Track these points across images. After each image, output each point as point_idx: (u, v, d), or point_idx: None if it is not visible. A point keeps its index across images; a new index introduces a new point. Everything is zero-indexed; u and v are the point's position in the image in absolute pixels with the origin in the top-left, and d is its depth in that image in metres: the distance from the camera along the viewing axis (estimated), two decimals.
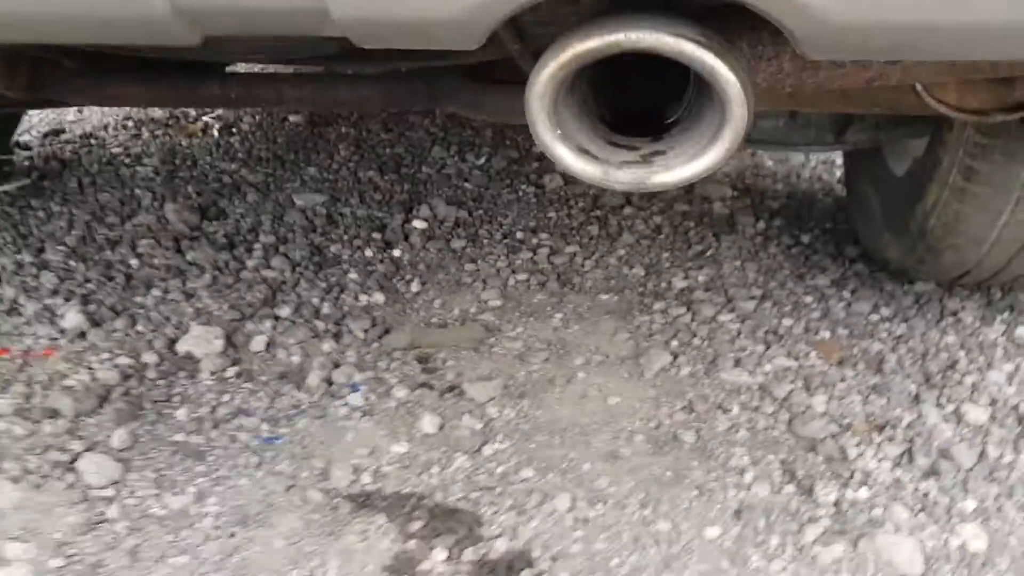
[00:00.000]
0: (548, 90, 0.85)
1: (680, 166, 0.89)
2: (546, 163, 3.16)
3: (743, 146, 2.32)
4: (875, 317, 2.23)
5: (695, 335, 2.14)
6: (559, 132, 0.89)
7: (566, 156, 0.89)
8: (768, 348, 2.09)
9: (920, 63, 1.09)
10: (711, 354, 2.07)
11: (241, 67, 2.78)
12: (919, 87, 1.30)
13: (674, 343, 2.12)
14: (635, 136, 0.97)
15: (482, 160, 3.19)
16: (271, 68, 3.07)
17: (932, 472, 1.70)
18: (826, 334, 2.16)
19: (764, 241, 2.63)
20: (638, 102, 1.12)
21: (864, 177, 2.49)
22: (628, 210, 2.82)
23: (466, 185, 3.00)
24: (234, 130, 3.49)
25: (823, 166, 3.20)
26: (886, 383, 1.96)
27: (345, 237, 2.60)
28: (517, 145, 3.30)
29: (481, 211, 2.81)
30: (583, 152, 0.90)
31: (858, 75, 1.09)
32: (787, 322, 2.20)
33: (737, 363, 2.04)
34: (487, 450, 1.76)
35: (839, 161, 3.15)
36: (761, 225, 2.72)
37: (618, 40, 0.81)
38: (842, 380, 1.97)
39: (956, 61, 1.07)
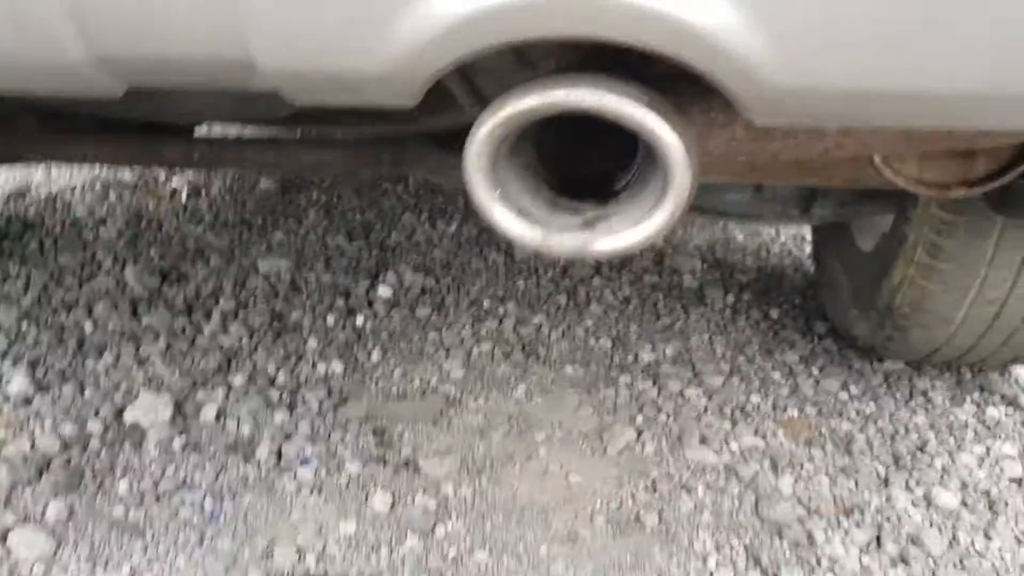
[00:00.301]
0: (486, 149, 0.82)
1: (623, 231, 0.85)
2: None
3: (702, 215, 2.31)
4: (844, 395, 2.19)
5: (661, 410, 2.09)
6: (498, 193, 0.85)
7: (504, 219, 0.85)
8: (735, 426, 2.03)
9: (875, 134, 1.06)
10: (677, 431, 2.01)
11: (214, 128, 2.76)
12: (877, 159, 1.28)
13: (639, 419, 2.06)
14: (582, 200, 0.93)
15: (453, 227, 3.16)
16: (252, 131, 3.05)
17: (901, 559, 1.64)
18: (794, 412, 2.11)
19: (733, 315, 2.59)
20: (593, 168, 1.09)
21: (832, 253, 2.47)
22: (597, 280, 2.79)
23: (435, 252, 2.96)
24: (203, 194, 3.45)
25: (793, 241, 3.19)
26: (854, 464, 1.90)
27: (307, 304, 2.54)
28: None
29: (449, 279, 2.77)
30: (523, 215, 0.86)
31: (813, 145, 1.07)
32: (755, 399, 2.15)
33: (703, 441, 1.98)
34: (440, 531, 1.69)
35: (809, 236, 3.13)
36: (730, 298, 2.68)
37: (558, 99, 0.78)
38: (810, 461, 1.92)
39: (912, 132, 1.05)
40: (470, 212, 3.29)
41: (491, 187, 0.85)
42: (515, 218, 0.86)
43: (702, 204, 2.22)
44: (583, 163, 1.12)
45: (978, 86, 0.75)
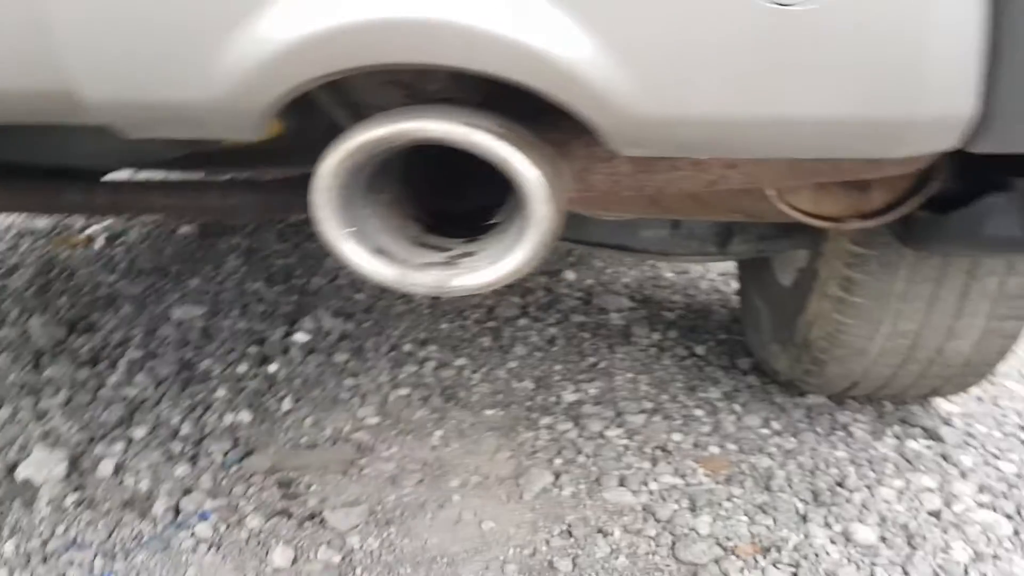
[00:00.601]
0: (334, 183, 0.77)
1: (484, 268, 0.80)
2: None
3: (619, 253, 2.29)
4: (765, 431, 2.16)
5: (580, 452, 2.04)
6: (353, 230, 0.80)
7: (356, 256, 0.81)
8: (655, 465, 1.99)
9: (759, 165, 1.04)
10: (595, 472, 1.96)
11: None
12: (770, 193, 1.26)
13: (558, 461, 2.01)
14: (453, 238, 0.89)
15: None
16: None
17: None
18: (715, 449, 2.08)
19: (658, 352, 2.56)
20: (470, 204, 1.05)
21: (755, 288, 2.47)
22: (523, 321, 2.75)
23: (357, 296, 2.89)
24: (119, 242, 3.35)
25: (721, 278, 3.19)
26: (773, 501, 1.87)
27: (219, 352, 2.46)
28: None
29: (370, 323, 2.70)
30: (380, 253, 0.82)
31: (698, 177, 1.04)
32: (676, 437, 2.11)
33: (622, 482, 1.93)
34: None
35: (736, 274, 3.14)
36: (656, 336, 2.66)
37: (404, 129, 0.74)
38: (728, 499, 1.88)
39: (796, 163, 1.03)
40: None
41: (340, 224, 0.80)
42: (369, 256, 0.81)
43: (619, 242, 2.20)
44: (460, 199, 1.08)
45: (832, 112, 0.73)
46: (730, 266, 3.24)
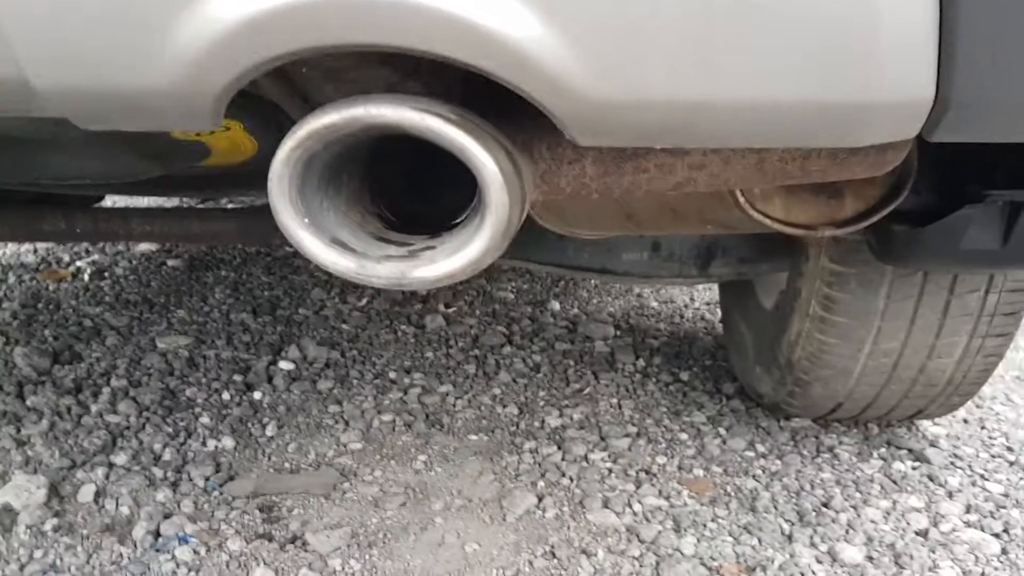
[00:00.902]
0: (288, 172, 0.78)
1: (443, 259, 0.80)
2: (429, 304, 3.08)
3: (600, 277, 2.29)
4: (750, 454, 2.15)
5: (564, 475, 2.03)
6: (307, 221, 0.80)
7: (313, 247, 0.81)
8: (639, 487, 1.98)
9: (727, 165, 1.05)
10: (579, 495, 1.95)
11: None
12: (741, 199, 1.26)
13: (541, 484, 1.99)
14: (416, 235, 0.89)
15: (363, 301, 3.10)
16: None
17: None
18: (700, 472, 2.06)
19: (643, 379, 2.56)
20: (440, 204, 1.05)
21: (737, 312, 2.47)
22: (508, 349, 2.74)
23: (343, 326, 2.89)
24: (106, 274, 3.35)
25: (707, 307, 3.19)
26: (758, 522, 1.85)
27: (204, 380, 2.45)
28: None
29: (355, 351, 2.70)
30: (338, 244, 0.82)
31: (664, 180, 1.05)
32: (660, 460, 2.10)
33: (605, 504, 1.92)
34: None
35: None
36: (641, 363, 2.65)
37: (357, 115, 0.74)
38: (713, 520, 1.87)
39: (762, 163, 1.03)
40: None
41: (299, 215, 0.80)
42: (327, 248, 0.81)
43: (600, 265, 2.21)
44: (429, 199, 1.08)
45: (789, 96, 0.74)
46: (715, 294, 3.25)
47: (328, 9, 0.69)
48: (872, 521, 1.88)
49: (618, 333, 2.90)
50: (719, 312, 3.08)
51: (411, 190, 1.06)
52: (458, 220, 0.95)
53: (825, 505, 1.93)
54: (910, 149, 1.16)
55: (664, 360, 2.68)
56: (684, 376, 2.57)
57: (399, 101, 0.74)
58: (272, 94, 1.05)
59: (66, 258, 3.55)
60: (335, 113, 0.75)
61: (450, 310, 3.06)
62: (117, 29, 0.71)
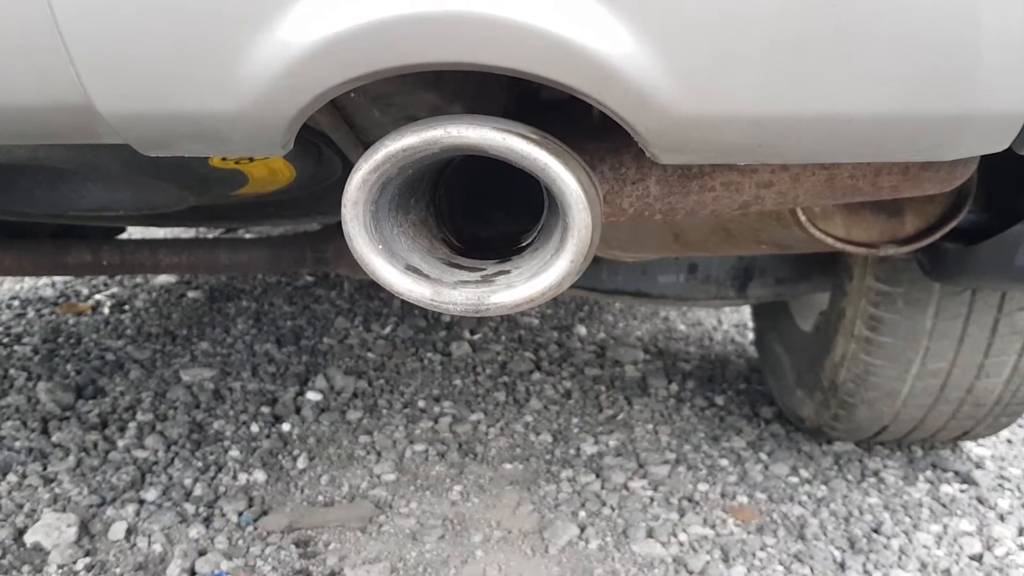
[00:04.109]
0: (363, 196, 0.74)
1: (522, 284, 0.77)
2: (454, 331, 3.04)
3: (637, 300, 2.25)
4: (794, 479, 2.10)
5: (605, 504, 1.98)
6: (381, 247, 0.77)
7: (388, 274, 0.77)
8: (683, 516, 1.93)
9: (796, 182, 1.01)
10: (622, 524, 1.90)
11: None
12: (802, 218, 1.23)
13: (582, 514, 1.94)
14: (483, 259, 0.85)
15: (387, 329, 3.06)
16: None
17: None
18: (744, 499, 2.01)
19: (677, 404, 2.51)
20: (502, 229, 1.02)
21: (773, 335, 2.43)
22: (537, 375, 2.70)
23: (369, 355, 2.85)
24: (126, 307, 3.32)
25: (736, 329, 3.15)
26: (809, 550, 1.80)
27: (231, 413, 2.41)
28: (425, 314, 3.19)
29: (382, 381, 2.66)
30: (412, 270, 0.78)
31: (730, 199, 1.01)
32: (702, 487, 2.05)
33: (650, 533, 1.87)
34: None
35: (752, 324, 3.10)
36: (674, 387, 2.61)
37: (436, 136, 0.71)
38: (762, 548, 1.81)
39: (833, 180, 1.00)
40: (406, 313, 3.21)
41: (373, 241, 0.77)
42: (401, 274, 0.78)
43: (636, 288, 2.17)
44: (489, 224, 1.05)
45: (887, 108, 0.70)
46: (744, 316, 3.21)
47: (409, 29, 0.66)
48: (924, 546, 1.83)
49: (648, 357, 2.86)
50: (750, 334, 3.04)
51: (470, 214, 1.03)
52: (524, 244, 0.91)
53: (875, 531, 1.88)
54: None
55: (697, 384, 2.63)
56: (719, 400, 2.53)
57: (479, 122, 0.71)
58: (318, 120, 1.02)
59: (85, 291, 3.52)
60: (413, 135, 0.71)
61: (475, 336, 3.02)
62: (187, 52, 0.68)
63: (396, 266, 0.77)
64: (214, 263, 2.14)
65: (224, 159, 1.39)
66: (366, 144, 1.12)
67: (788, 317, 2.35)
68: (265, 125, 0.72)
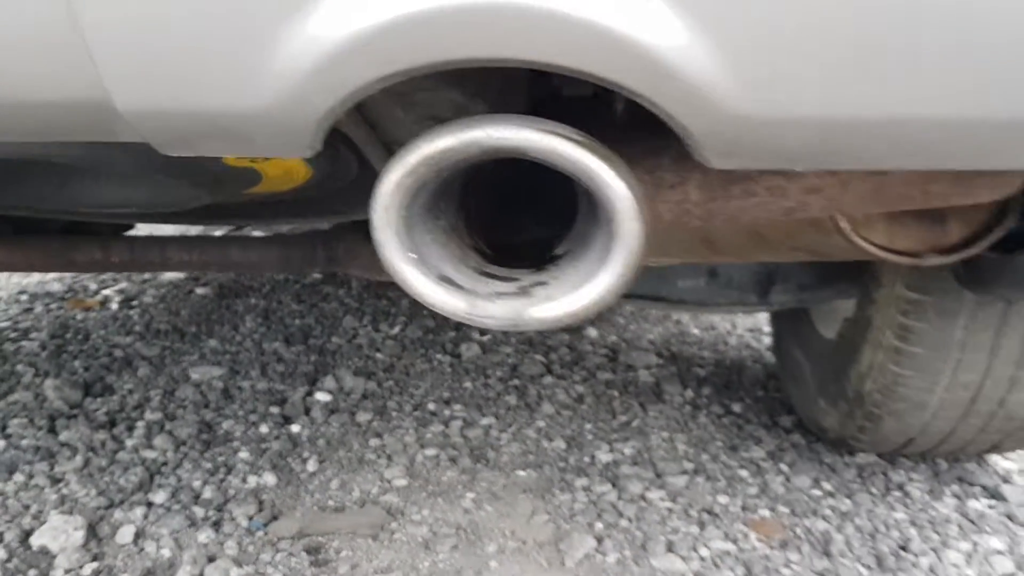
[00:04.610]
0: (396, 201, 0.69)
1: (564, 296, 0.72)
2: (463, 332, 2.99)
3: (656, 305, 2.20)
4: (817, 492, 2.05)
5: (622, 515, 1.92)
6: (413, 256, 0.72)
7: (422, 284, 0.72)
8: (703, 529, 1.88)
9: (844, 187, 0.96)
10: (640, 537, 1.85)
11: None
12: (844, 225, 1.18)
13: (599, 525, 1.89)
14: (516, 269, 0.80)
15: (396, 329, 3.02)
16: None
17: None
18: (766, 512, 1.96)
19: (693, 411, 2.46)
20: (528, 235, 0.97)
21: (793, 342, 2.37)
22: (548, 379, 2.65)
23: (378, 355, 2.80)
24: (134, 303, 3.28)
25: (750, 333, 3.10)
26: (835, 568, 1.75)
27: (240, 412, 2.37)
28: (434, 314, 3.14)
29: (392, 382, 2.61)
30: (445, 281, 0.73)
31: (774, 204, 0.96)
32: (722, 499, 2.00)
33: (670, 547, 1.81)
34: None
35: (767, 328, 3.04)
36: (689, 394, 2.56)
37: (476, 138, 0.66)
38: (786, 565, 1.76)
39: (884, 187, 0.95)
40: (415, 313, 3.16)
41: (402, 247, 0.72)
42: (436, 285, 0.73)
43: (653, 293, 2.12)
44: (517, 231, 1.00)
45: (971, 111, 0.65)
46: (759, 321, 3.15)
47: (450, 22, 0.61)
48: (954, 565, 1.78)
49: (661, 362, 2.81)
50: (765, 339, 2.99)
51: (498, 220, 0.98)
52: (558, 252, 0.86)
53: (903, 548, 1.82)
54: None
55: (713, 391, 2.58)
56: (736, 408, 2.47)
57: (522, 123, 0.66)
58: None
59: (93, 286, 3.48)
60: (451, 136, 0.66)
61: (485, 338, 2.97)
62: (211, 47, 0.63)
63: (429, 276, 0.72)
64: (225, 261, 2.09)
65: (239, 156, 1.35)
66: (386, 143, 1.07)
67: (809, 323, 2.29)
68: (292, 125, 0.67)
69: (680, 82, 0.63)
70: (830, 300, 2.12)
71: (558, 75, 0.90)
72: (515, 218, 1.02)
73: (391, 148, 1.09)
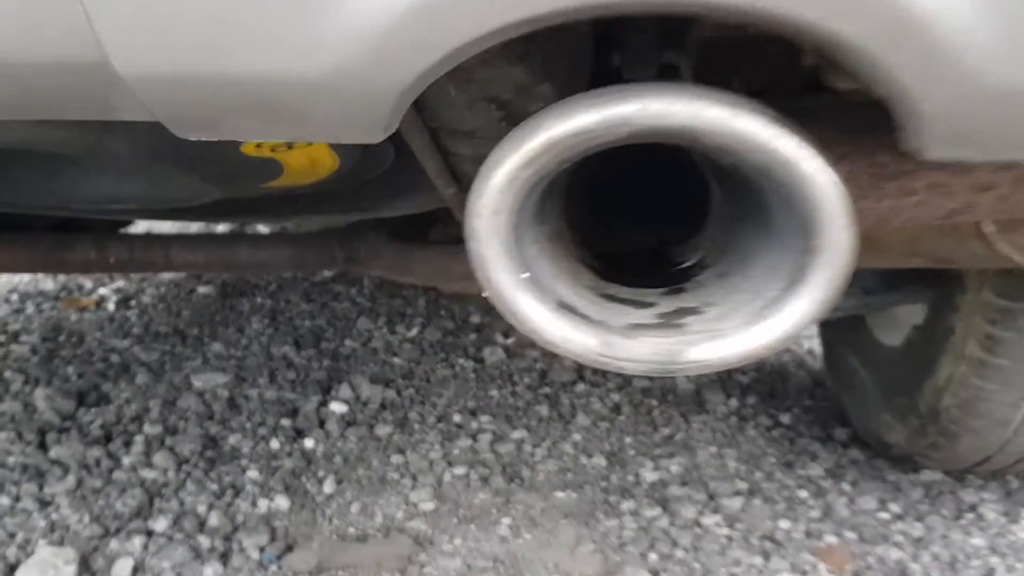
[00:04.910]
0: (506, 203, 0.50)
1: (737, 330, 0.53)
2: (485, 334, 2.80)
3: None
4: (884, 515, 1.86)
5: (677, 544, 1.74)
6: (527, 276, 0.53)
7: (540, 316, 0.53)
8: (767, 560, 1.69)
9: (1018, 187, 0.77)
10: (700, 570, 1.67)
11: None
12: (989, 229, 0.99)
13: (652, 556, 1.71)
14: (640, 287, 0.61)
15: (414, 331, 2.82)
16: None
17: None
18: (832, 538, 1.78)
19: (740, 422, 2.27)
20: (633, 242, 0.78)
21: (848, 349, 2.18)
22: (581, 386, 2.46)
23: (395, 360, 2.61)
24: (132, 303, 3.08)
25: None
26: None
27: (248, 425, 2.17)
28: (452, 315, 2.95)
29: (412, 390, 2.42)
30: (566, 310, 0.54)
31: (935, 205, 0.78)
32: (783, 524, 1.81)
33: None
34: None
35: (805, 330, 2.85)
36: (733, 403, 2.37)
37: (627, 114, 0.47)
38: None
39: None
40: (432, 314, 2.97)
41: (512, 265, 0.53)
42: (556, 317, 0.54)
43: None
44: (618, 237, 0.80)
45: None
46: None
47: None
48: None
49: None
50: (805, 342, 2.80)
51: (594, 223, 0.79)
52: (684, 264, 0.67)
53: None
54: None
55: (759, 400, 2.39)
56: (785, 419, 2.29)
57: (688, 93, 0.47)
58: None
59: (89, 285, 3.28)
60: (592, 112, 0.47)
61: (509, 341, 2.78)
62: None
63: (546, 303, 0.53)
64: (233, 261, 1.91)
65: (259, 145, 1.15)
66: (432, 130, 0.89)
67: (865, 330, 2.11)
68: (366, 98, 0.48)
69: (926, 40, 0.45)
70: (896, 305, 1.94)
71: (621, 52, 0.71)
72: (612, 220, 0.83)
73: (437, 136, 0.90)
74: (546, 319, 0.53)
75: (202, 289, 3.21)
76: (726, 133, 0.48)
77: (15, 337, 2.77)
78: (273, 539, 1.73)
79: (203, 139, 0.55)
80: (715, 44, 0.80)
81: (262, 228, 3.16)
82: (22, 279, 3.33)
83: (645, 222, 0.80)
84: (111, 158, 1.17)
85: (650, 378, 2.54)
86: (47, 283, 3.29)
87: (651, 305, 0.59)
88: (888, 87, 0.49)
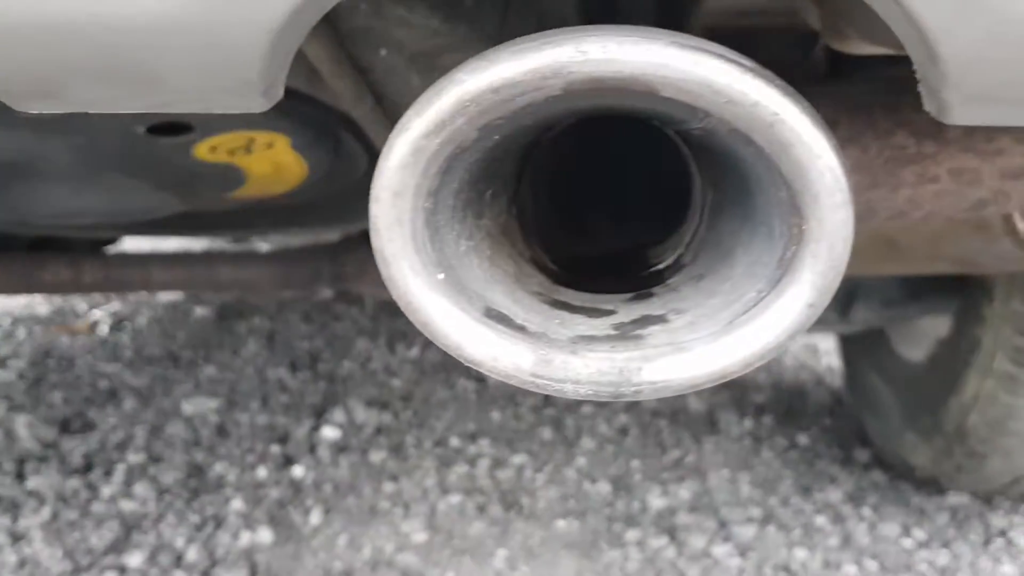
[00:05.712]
0: (412, 180, 0.40)
1: (703, 343, 0.42)
2: None
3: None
4: (908, 542, 1.75)
5: None
6: (442, 276, 0.43)
7: (455, 324, 0.43)
8: None
9: None
10: None
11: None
12: (1023, 227, 0.88)
13: None
14: (603, 292, 0.51)
15: (414, 352, 2.72)
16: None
17: None
18: (851, 568, 1.66)
19: (754, 444, 2.15)
20: (603, 245, 0.67)
21: (868, 365, 2.06)
22: (587, 408, 2.35)
23: (394, 382, 2.51)
24: (126, 324, 3.00)
25: (805, 351, 2.78)
26: None
27: (235, 452, 2.08)
28: None
29: (409, 413, 2.31)
30: (495, 318, 0.44)
31: (960, 195, 0.67)
32: (799, 554, 1.70)
33: None
34: None
35: (823, 345, 2.73)
36: (748, 424, 2.25)
37: (561, 61, 0.37)
38: None
39: None
40: None
41: (423, 261, 0.42)
42: (482, 327, 0.43)
43: None
44: (584, 238, 0.70)
45: None
46: (811, 336, 2.84)
47: None
48: None
49: (712, 387, 2.50)
50: (824, 357, 2.68)
51: (558, 221, 0.68)
52: (658, 266, 0.56)
53: None
54: None
55: (775, 420, 2.27)
56: (802, 440, 2.17)
57: (636, 33, 0.37)
58: (331, 77, 0.69)
59: (83, 307, 3.21)
60: (514, 60, 0.37)
61: None
62: None
63: (470, 312, 0.42)
64: (214, 280, 1.82)
65: (213, 150, 1.06)
66: (392, 117, 0.79)
67: (886, 344, 1.99)
68: (227, 44, 0.38)
69: None
70: (919, 317, 1.82)
71: None
72: (580, 218, 0.72)
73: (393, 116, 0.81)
74: (467, 331, 0.43)
75: (199, 310, 3.12)
76: (694, 84, 0.37)
77: (3, 362, 2.69)
78: (254, 574, 1.62)
79: (46, 111, 0.45)
80: (716, 33, 0.71)
81: (264, 246, 3.08)
82: (16, 304, 3.26)
83: (622, 220, 0.69)
84: (53, 167, 1.08)
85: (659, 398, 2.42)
86: (41, 308, 3.21)
87: (609, 313, 0.48)
88: (904, 26, 0.39)
